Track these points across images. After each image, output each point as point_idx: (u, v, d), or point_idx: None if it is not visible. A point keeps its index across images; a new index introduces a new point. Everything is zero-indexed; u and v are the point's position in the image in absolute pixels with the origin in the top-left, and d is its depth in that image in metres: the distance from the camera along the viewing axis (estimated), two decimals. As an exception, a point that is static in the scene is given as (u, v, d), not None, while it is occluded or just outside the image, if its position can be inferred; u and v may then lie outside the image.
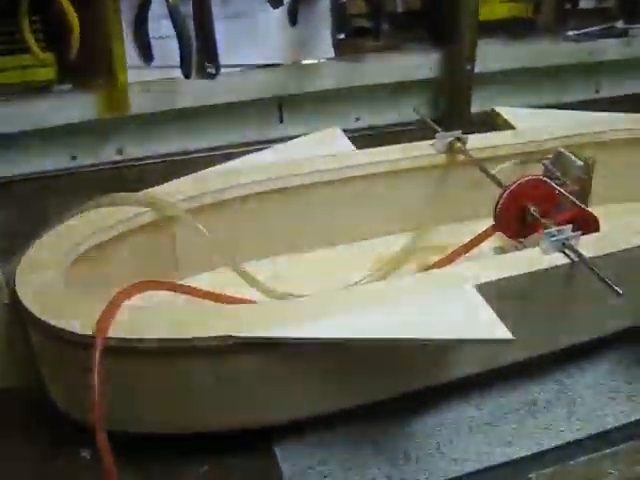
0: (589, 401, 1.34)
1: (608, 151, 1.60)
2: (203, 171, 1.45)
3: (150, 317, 1.05)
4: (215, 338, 1.00)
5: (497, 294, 1.14)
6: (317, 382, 1.12)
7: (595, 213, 1.38)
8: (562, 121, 1.67)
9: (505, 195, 1.31)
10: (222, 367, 1.05)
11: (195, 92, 2.05)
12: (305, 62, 2.15)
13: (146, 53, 1.96)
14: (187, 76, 1.88)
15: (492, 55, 2.28)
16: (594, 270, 1.13)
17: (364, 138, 2.13)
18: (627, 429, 1.31)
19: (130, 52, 1.95)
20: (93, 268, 1.23)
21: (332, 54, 2.16)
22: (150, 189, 1.36)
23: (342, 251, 1.52)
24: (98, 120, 2.00)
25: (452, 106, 2.25)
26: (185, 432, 1.14)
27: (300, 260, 1.48)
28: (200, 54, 2.00)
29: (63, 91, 1.97)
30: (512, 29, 2.33)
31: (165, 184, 1.39)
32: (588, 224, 1.36)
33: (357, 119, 2.30)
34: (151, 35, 1.94)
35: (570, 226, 1.21)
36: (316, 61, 2.16)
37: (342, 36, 2.09)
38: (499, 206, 1.32)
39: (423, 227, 1.48)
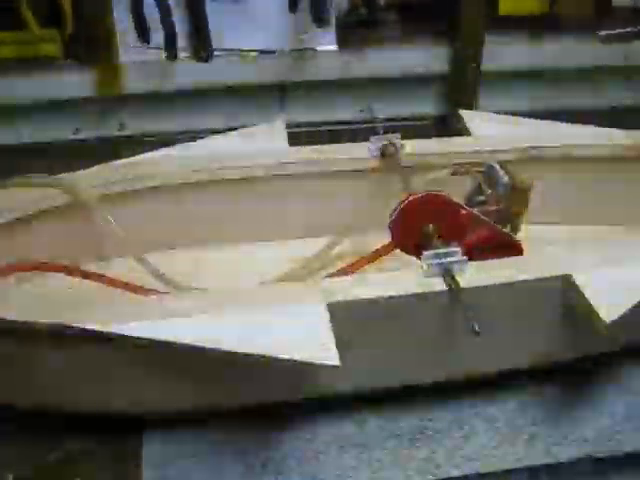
0: (483, 438, 1.25)
1: (546, 167, 1.50)
2: (127, 159, 1.47)
3: (17, 298, 1.10)
4: (49, 325, 1.03)
5: (358, 314, 1.11)
6: (156, 380, 1.13)
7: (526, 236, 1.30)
8: (528, 131, 1.56)
9: (397, 212, 1.25)
10: (59, 353, 1.08)
11: (191, 74, 2.08)
12: (306, 50, 2.12)
13: (144, 34, 2.00)
14: (170, 58, 1.91)
15: (509, 53, 2.16)
16: (461, 302, 1.07)
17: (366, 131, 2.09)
18: (515, 476, 1.21)
19: (128, 33, 2.00)
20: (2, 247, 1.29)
21: (334, 44, 2.12)
22: (69, 173, 1.41)
23: (261, 249, 1.50)
24: (100, 96, 2.07)
25: (457, 104, 2.13)
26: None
27: (217, 254, 1.48)
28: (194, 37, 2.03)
29: (66, 67, 2.06)
30: (536, 26, 2.19)
31: (88, 169, 1.43)
32: (508, 248, 1.28)
33: (361, 110, 2.24)
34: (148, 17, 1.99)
35: (457, 249, 1.14)
36: (317, 49, 2.13)
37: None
38: (391, 223, 1.25)
39: (345, 232, 1.43)
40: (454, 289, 1.10)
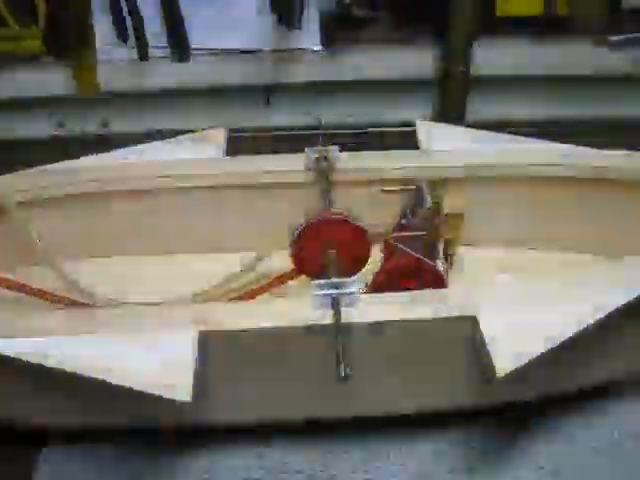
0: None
1: (490, 188, 1.39)
2: (63, 163, 1.44)
3: None
4: None
5: (230, 344, 1.04)
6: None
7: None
8: (483, 148, 1.44)
9: (295, 238, 1.16)
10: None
11: (172, 74, 2.04)
12: (289, 50, 2.04)
13: (122, 33, 1.97)
14: (142, 58, 1.87)
15: (507, 57, 2.02)
16: (337, 338, 0.98)
17: (354, 136, 2.00)
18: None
19: (105, 32, 1.98)
20: None
21: (318, 44, 2.03)
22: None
23: (184, 261, 1.44)
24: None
25: (446, 110, 2.02)
26: None
27: (138, 265, 1.43)
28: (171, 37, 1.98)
29: (48, 64, 2.05)
30: (537, 28, 2.03)
31: (15, 173, 1.40)
32: (429, 277, 1.18)
33: (349, 115, 2.14)
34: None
35: (352, 280, 1.05)
36: (301, 50, 2.04)
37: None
38: (291, 250, 1.17)
39: (269, 248, 1.35)
40: (336, 324, 1.01)
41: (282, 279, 1.22)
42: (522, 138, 1.46)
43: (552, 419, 1.20)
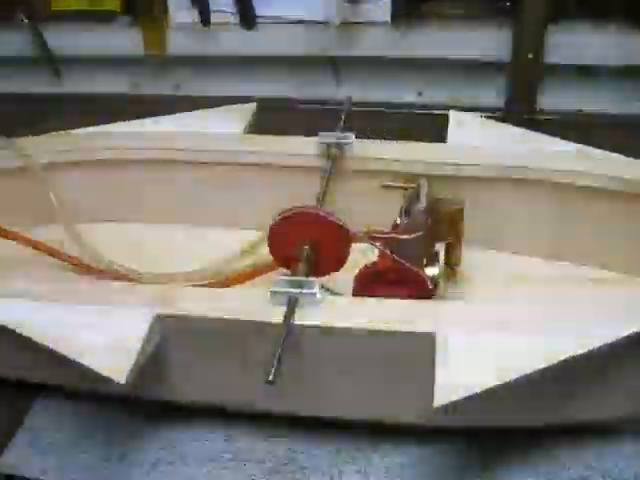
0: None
1: (520, 191, 1.30)
2: (88, 128, 1.49)
3: None
4: None
5: (190, 330, 1.04)
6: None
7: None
8: (517, 147, 1.34)
9: (270, 229, 1.12)
10: None
11: (238, 41, 2.04)
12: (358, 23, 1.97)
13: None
14: (203, 23, 1.87)
15: (585, 43, 1.85)
16: (281, 340, 0.95)
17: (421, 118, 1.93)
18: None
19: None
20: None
21: (388, 17, 1.94)
22: (27, 137, 1.46)
23: (199, 234, 1.44)
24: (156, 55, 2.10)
25: (516, 97, 1.88)
26: None
27: (152, 234, 1.45)
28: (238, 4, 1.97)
29: (124, 23, 2.10)
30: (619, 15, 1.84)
31: (45, 134, 1.47)
32: (413, 284, 1.12)
33: (420, 93, 2.05)
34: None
35: (313, 281, 1.02)
36: (370, 23, 1.97)
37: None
38: (268, 240, 1.13)
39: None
40: (286, 324, 0.98)
41: (258, 271, 1.20)
42: (559, 140, 1.35)
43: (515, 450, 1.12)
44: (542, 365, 0.91)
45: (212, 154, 1.39)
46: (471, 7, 1.94)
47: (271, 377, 0.90)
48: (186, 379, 1.11)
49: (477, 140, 1.35)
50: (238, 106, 1.52)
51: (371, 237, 1.11)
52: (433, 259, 1.20)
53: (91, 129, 1.48)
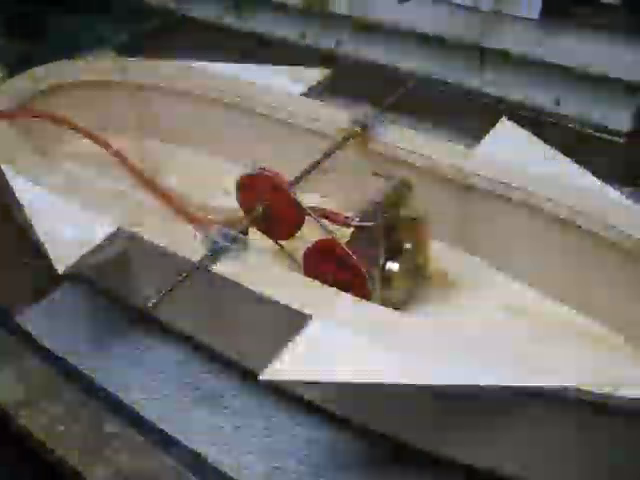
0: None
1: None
2: (195, 63, 1.67)
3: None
4: None
5: (132, 250, 1.20)
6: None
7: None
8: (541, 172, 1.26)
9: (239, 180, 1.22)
10: None
11: (391, 11, 2.06)
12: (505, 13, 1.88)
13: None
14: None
15: None
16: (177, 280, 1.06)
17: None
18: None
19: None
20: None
21: (536, 14, 1.82)
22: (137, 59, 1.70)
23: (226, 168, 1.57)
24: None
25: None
26: None
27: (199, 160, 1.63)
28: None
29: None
30: None
31: (157, 61, 1.69)
32: (352, 271, 1.14)
33: (557, 103, 1.91)
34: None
35: (244, 238, 1.11)
36: (516, 16, 1.86)
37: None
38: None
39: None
40: (202, 265, 1.07)
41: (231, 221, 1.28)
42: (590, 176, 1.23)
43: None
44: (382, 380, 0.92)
45: (259, 106, 1.51)
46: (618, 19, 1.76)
47: (149, 304, 1.01)
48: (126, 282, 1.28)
49: (507, 154, 1.29)
50: (316, 70, 1.60)
51: (315, 211, 1.15)
52: (398, 257, 1.20)
53: (194, 63, 1.66)
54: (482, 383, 0.90)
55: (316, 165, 1.27)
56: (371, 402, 1.06)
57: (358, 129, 1.34)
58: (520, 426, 0.97)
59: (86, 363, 1.37)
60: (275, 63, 1.66)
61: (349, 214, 1.17)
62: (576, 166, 1.26)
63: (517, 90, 1.98)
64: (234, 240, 1.10)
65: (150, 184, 1.49)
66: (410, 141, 1.34)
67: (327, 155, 1.29)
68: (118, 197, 1.31)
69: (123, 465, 1.22)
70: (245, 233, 1.14)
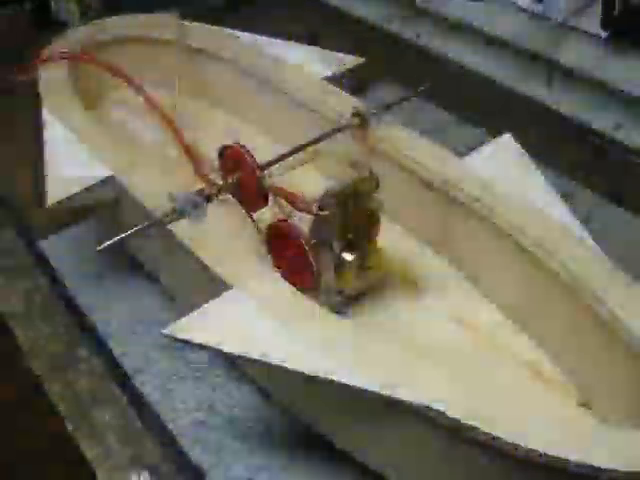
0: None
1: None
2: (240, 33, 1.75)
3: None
4: None
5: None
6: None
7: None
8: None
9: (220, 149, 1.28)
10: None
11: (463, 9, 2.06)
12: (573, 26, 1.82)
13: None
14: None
15: None
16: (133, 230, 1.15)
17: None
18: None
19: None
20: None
21: (601, 31, 1.74)
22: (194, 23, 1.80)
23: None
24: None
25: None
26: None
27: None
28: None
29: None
30: None
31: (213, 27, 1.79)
32: (297, 251, 1.19)
33: (618, 126, 1.82)
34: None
35: (203, 205, 1.17)
36: (584, 31, 1.79)
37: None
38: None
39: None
40: (153, 222, 1.16)
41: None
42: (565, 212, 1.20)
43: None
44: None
45: (281, 82, 1.58)
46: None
47: (98, 247, 1.11)
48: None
49: (492, 171, 1.28)
50: (350, 57, 1.63)
51: (273, 189, 1.20)
52: (354, 248, 1.23)
53: (241, 34, 1.75)
54: (350, 383, 0.92)
55: (298, 150, 1.32)
56: (280, 380, 1.12)
57: (356, 121, 1.37)
58: (397, 434, 0.99)
59: (82, 294, 1.52)
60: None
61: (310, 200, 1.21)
62: (557, 197, 1.23)
63: (577, 108, 1.92)
64: (195, 206, 1.17)
65: (178, 136, 1.58)
66: (400, 141, 1.36)
67: (313, 142, 1.34)
68: (142, 147, 1.43)
69: (80, 387, 1.36)
70: (211, 199, 1.21)
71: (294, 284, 1.11)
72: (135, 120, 1.71)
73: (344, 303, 1.26)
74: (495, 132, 1.41)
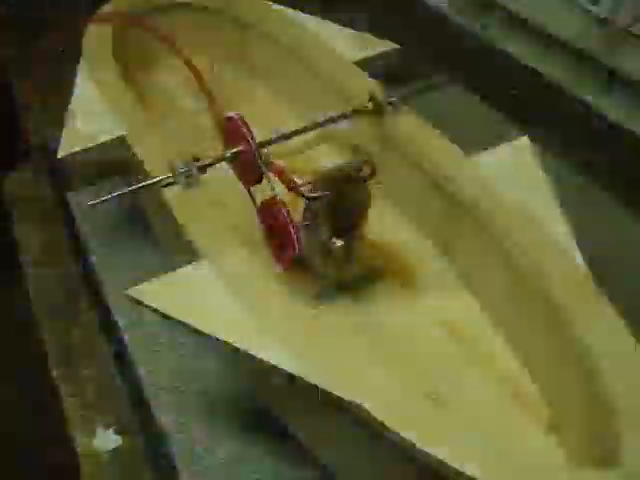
0: None
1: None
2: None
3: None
4: None
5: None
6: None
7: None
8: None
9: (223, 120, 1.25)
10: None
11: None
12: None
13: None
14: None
15: None
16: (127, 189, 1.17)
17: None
18: None
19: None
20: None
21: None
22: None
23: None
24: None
25: None
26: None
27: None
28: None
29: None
30: None
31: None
32: (283, 231, 1.17)
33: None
34: None
35: (196, 175, 1.17)
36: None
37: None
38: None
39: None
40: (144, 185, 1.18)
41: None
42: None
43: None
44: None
45: (309, 60, 1.56)
46: None
47: (90, 202, 1.14)
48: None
49: (497, 173, 1.22)
50: (385, 42, 1.61)
51: (267, 164, 1.18)
52: (343, 234, 1.21)
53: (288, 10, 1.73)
54: (295, 372, 0.90)
55: (302, 131, 1.30)
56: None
57: (370, 106, 1.34)
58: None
59: (95, 247, 1.56)
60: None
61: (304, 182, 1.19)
62: (557, 210, 1.15)
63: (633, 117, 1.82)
64: (188, 175, 1.18)
65: (214, 106, 1.58)
66: (411, 133, 1.31)
67: (319, 124, 1.32)
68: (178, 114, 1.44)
69: (71, 340, 1.40)
70: (204, 169, 1.21)
71: (278, 262, 1.10)
72: (178, 88, 1.73)
73: (327, 291, 1.24)
74: (538, 131, 1.35)
